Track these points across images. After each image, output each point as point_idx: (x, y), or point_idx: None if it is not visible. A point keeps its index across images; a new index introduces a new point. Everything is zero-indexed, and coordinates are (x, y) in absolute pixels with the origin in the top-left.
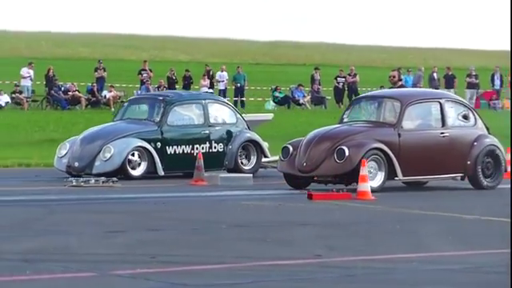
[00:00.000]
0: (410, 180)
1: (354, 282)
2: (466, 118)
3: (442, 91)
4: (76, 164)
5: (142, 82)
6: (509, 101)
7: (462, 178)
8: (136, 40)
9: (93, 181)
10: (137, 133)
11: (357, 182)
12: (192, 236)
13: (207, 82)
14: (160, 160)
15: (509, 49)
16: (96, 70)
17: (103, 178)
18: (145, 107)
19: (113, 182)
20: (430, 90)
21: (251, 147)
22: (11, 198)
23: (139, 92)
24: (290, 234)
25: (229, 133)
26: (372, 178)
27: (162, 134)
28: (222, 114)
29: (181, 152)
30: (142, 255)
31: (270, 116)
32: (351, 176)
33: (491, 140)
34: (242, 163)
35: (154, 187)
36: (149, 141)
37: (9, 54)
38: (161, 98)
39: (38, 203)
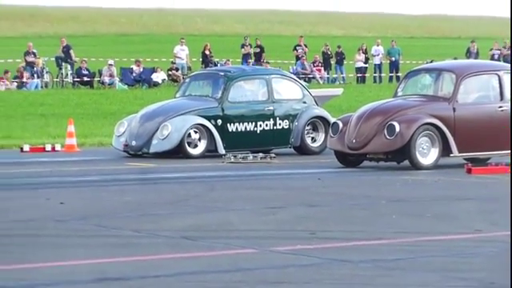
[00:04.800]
0: (467, 157)
1: None
2: None
3: (501, 63)
4: (133, 143)
5: (298, 58)
6: None
7: None
8: (290, 16)
9: (251, 157)
10: (196, 110)
11: (408, 159)
12: (351, 211)
13: (362, 56)
14: (221, 138)
15: None
16: (243, 46)
17: (261, 154)
18: (206, 83)
19: (270, 157)
20: (489, 61)
21: (319, 124)
22: (172, 175)
23: (295, 68)
24: (450, 209)
25: (295, 109)
26: (425, 154)
27: (222, 110)
28: (287, 89)
29: (243, 129)
30: (301, 231)
31: (339, 91)
32: (402, 153)
33: None
34: (309, 140)
35: (310, 163)
36: (209, 118)
37: (165, 32)
38: (222, 73)
39: (198, 180)
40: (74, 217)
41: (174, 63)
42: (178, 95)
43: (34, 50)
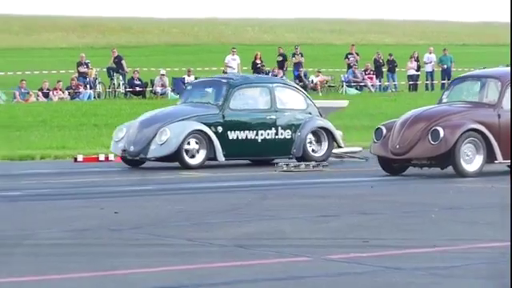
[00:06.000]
0: None
1: None
2: None
3: None
4: (131, 148)
5: (349, 66)
6: None
7: None
8: (341, 24)
9: (303, 165)
10: (196, 116)
11: (453, 165)
12: (404, 219)
13: (414, 64)
14: (221, 145)
15: None
16: (293, 55)
17: (313, 163)
18: (208, 90)
19: (322, 166)
20: None
21: (322, 134)
22: (223, 184)
23: (346, 76)
24: (503, 216)
25: (298, 119)
26: (469, 161)
27: (223, 117)
28: (290, 99)
29: (244, 138)
30: (354, 239)
31: (344, 103)
32: (447, 159)
33: None
34: (312, 150)
35: (362, 171)
36: (209, 125)
37: (217, 41)
38: (224, 80)
39: (250, 189)
40: (127, 226)
41: (226, 73)
42: (179, 102)
43: (87, 61)
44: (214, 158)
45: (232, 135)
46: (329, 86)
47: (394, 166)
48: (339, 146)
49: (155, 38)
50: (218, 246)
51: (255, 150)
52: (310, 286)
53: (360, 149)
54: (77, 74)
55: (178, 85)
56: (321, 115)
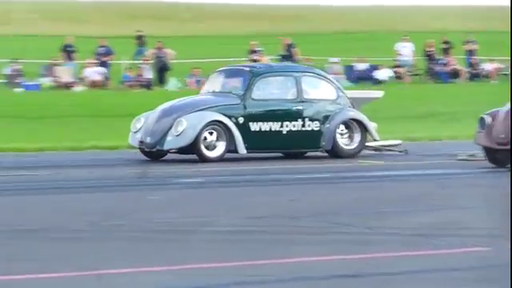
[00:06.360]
0: None
1: None
2: None
3: None
4: (148, 139)
5: None
6: None
7: None
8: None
9: (481, 154)
10: (216, 106)
11: None
12: None
13: None
14: (242, 137)
15: None
16: (467, 42)
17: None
18: (231, 80)
19: None
20: None
21: (354, 126)
22: (398, 173)
23: None
24: None
25: (327, 110)
26: None
27: (245, 108)
28: (318, 88)
29: (267, 129)
30: None
31: (379, 93)
32: None
33: None
34: (343, 143)
35: None
36: (229, 116)
37: (388, 29)
38: (247, 69)
39: (426, 177)
40: (304, 214)
41: (397, 61)
42: (202, 91)
43: (259, 49)
44: (235, 151)
45: (254, 127)
46: (503, 74)
47: (498, 157)
48: (374, 139)
49: (326, 25)
50: (396, 235)
51: (280, 143)
52: (491, 276)
53: (399, 142)
54: (249, 62)
55: (350, 73)
56: (353, 106)
